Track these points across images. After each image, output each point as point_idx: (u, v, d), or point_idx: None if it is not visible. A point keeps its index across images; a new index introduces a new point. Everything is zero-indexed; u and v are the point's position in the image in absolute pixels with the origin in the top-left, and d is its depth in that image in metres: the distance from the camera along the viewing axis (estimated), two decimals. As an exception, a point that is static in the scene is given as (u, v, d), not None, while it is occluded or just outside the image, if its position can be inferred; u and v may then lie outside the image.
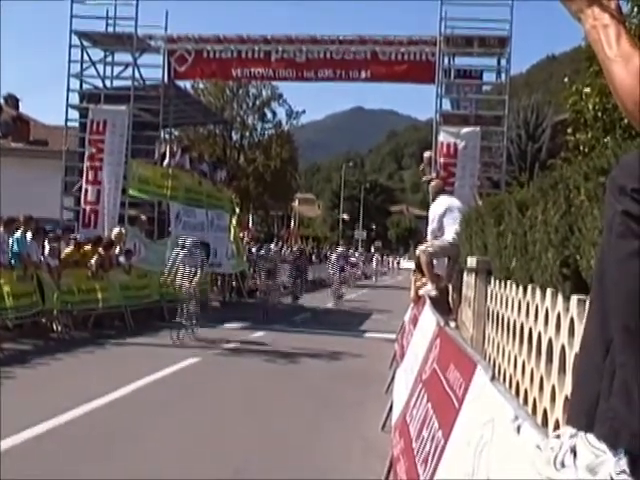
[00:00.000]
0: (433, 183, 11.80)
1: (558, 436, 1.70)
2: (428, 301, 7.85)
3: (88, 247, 16.10)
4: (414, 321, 8.35)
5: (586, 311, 1.89)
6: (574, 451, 1.63)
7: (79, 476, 5.82)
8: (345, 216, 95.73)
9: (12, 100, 37.46)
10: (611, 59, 1.72)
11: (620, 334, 1.62)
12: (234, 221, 24.46)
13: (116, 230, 17.57)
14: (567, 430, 1.69)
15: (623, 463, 1.56)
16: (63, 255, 15.27)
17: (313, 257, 41.30)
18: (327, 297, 27.63)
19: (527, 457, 1.83)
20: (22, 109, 37.97)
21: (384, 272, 70.13)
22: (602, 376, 1.64)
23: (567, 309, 3.93)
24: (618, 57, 1.71)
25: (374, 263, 56.76)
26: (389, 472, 4.98)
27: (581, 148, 12.42)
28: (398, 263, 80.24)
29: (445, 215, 10.27)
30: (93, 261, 15.55)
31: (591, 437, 1.62)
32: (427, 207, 11.91)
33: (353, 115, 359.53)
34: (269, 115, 58.25)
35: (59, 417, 7.56)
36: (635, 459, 1.57)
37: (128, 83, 20.54)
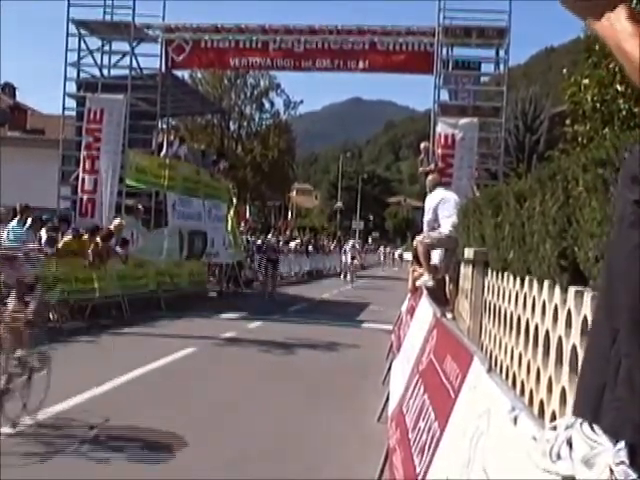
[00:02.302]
0: (430, 177, 11.79)
1: (554, 427, 1.69)
2: (425, 292, 7.85)
3: (86, 237, 16.07)
4: (411, 312, 8.35)
5: (592, 301, 1.88)
6: (570, 443, 1.62)
7: (76, 465, 5.82)
8: (340, 204, 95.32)
9: (9, 89, 37.41)
10: (622, 37, 1.69)
11: (626, 324, 1.61)
12: (231, 211, 24.47)
13: (116, 221, 17.53)
14: (563, 422, 1.68)
15: (623, 454, 1.55)
16: (61, 244, 15.23)
17: (310, 248, 41.29)
18: (330, 286, 27.65)
19: (523, 448, 1.82)
20: (19, 98, 37.93)
21: (379, 262, 66.46)
22: (608, 366, 1.63)
23: (564, 301, 3.93)
24: (633, 36, 1.68)
25: (347, 257, 36.73)
26: (385, 463, 4.98)
27: (579, 139, 12.40)
28: (400, 256, 71.51)
29: (439, 207, 10.28)
30: (90, 251, 15.53)
31: (587, 428, 1.61)
32: (424, 198, 11.89)
33: (351, 105, 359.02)
34: (267, 105, 58.33)
35: (55, 406, 7.56)
36: (635, 450, 1.56)
37: (125, 72, 20.48)
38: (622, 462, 1.53)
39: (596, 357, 1.70)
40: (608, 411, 1.60)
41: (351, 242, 37.26)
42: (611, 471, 1.52)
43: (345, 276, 35.25)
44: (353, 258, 35.24)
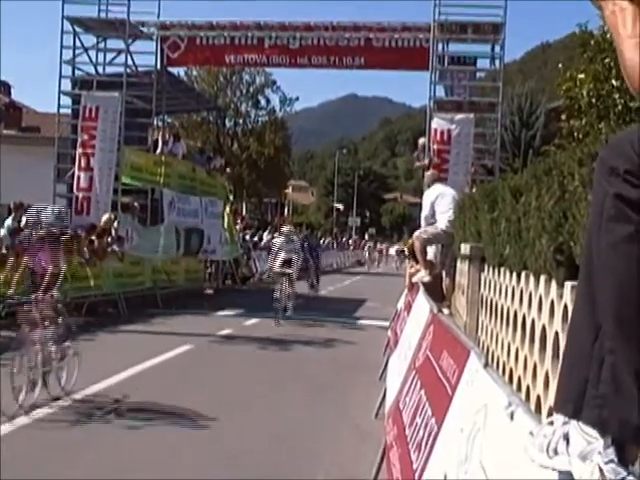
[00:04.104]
0: (428, 173, 11.81)
1: (551, 423, 1.69)
2: (421, 288, 7.85)
3: (83, 235, 16.06)
4: (408, 308, 8.35)
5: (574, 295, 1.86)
6: (567, 438, 1.61)
7: (74, 462, 5.82)
8: (340, 206, 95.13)
9: (4, 87, 37.32)
10: (623, 38, 1.71)
11: (610, 320, 1.59)
12: (228, 208, 24.45)
13: (105, 216, 17.52)
14: (560, 417, 1.67)
15: (611, 452, 1.54)
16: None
17: (305, 244, 41.32)
18: (327, 282, 27.59)
19: (520, 444, 1.82)
20: (14, 96, 37.84)
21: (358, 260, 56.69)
22: (590, 362, 1.62)
23: (561, 295, 3.92)
24: (631, 38, 1.70)
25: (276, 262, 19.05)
26: (382, 459, 4.98)
27: (575, 134, 12.42)
28: (399, 253, 55.03)
29: (437, 202, 10.29)
30: (86, 248, 15.51)
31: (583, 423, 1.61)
32: (421, 194, 11.91)
33: (347, 102, 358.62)
34: (263, 102, 58.27)
35: (53, 404, 7.55)
36: (623, 446, 1.55)
37: (120, 70, 20.41)
38: (611, 460, 1.52)
39: (577, 352, 1.68)
40: (591, 408, 1.59)
41: (286, 229, 18.15)
42: (600, 470, 1.52)
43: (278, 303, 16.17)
44: (287, 263, 16.74)
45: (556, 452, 1.62)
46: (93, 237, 16.09)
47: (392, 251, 63.16)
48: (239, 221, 30.25)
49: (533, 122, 38.64)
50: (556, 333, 3.97)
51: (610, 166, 1.64)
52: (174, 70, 24.52)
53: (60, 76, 20.38)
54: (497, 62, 19.69)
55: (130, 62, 20.55)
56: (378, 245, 66.26)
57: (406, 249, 24.56)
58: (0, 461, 5.44)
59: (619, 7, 1.77)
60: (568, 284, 3.77)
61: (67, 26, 20.21)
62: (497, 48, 19.41)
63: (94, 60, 20.83)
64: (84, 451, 6.21)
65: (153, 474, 5.71)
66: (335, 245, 54.02)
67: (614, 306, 1.58)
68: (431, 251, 10.70)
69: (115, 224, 17.84)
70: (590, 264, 1.69)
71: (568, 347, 1.78)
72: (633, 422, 1.52)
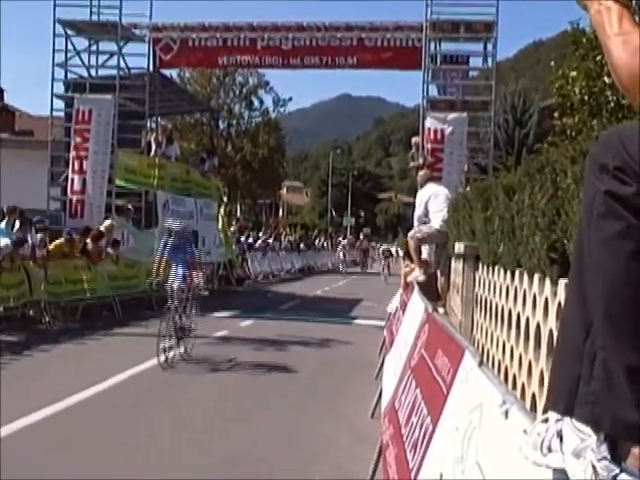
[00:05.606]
0: (421, 172, 11.82)
1: (545, 420, 1.69)
2: (416, 287, 7.86)
3: (77, 238, 16.04)
4: (403, 307, 8.35)
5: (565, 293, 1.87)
6: (560, 435, 1.62)
7: (68, 467, 5.80)
8: (333, 210, 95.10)
9: (-3, 91, 37.27)
10: (610, 37, 1.76)
11: (601, 316, 1.60)
12: (222, 210, 24.43)
13: (107, 222, 17.50)
14: (553, 415, 1.67)
15: (604, 449, 1.55)
16: (52, 246, 15.18)
17: (301, 245, 41.39)
18: (322, 282, 27.60)
19: (515, 442, 1.82)
20: (7, 100, 37.78)
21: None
22: (582, 359, 1.62)
23: (555, 293, 3.92)
24: (618, 35, 1.75)
25: None
26: (379, 458, 4.98)
27: (568, 132, 12.41)
28: (386, 253, 41.09)
29: (430, 201, 10.30)
30: (85, 251, 15.51)
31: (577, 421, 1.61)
32: (415, 193, 11.91)
33: (340, 102, 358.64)
34: (256, 103, 58.36)
35: (48, 408, 7.53)
36: (616, 443, 1.55)
37: (113, 72, 20.40)
38: (604, 457, 1.52)
39: (568, 350, 1.69)
40: (583, 404, 1.59)
41: None
42: (594, 467, 1.52)
43: None
44: None
45: (550, 450, 1.63)
46: (87, 240, 16.05)
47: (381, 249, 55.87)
48: (234, 222, 30.27)
49: (526, 120, 38.72)
50: (550, 331, 3.98)
51: (600, 163, 1.64)
52: (167, 72, 24.52)
53: (53, 79, 20.37)
54: (490, 60, 19.73)
55: (123, 64, 20.57)
56: (371, 243, 62.14)
57: (400, 249, 24.06)
58: (0, 462, 5.44)
59: (604, 6, 1.81)
60: (562, 281, 3.77)
61: (59, 29, 20.21)
62: (489, 46, 19.44)
63: (86, 63, 20.83)
64: (82, 453, 6.20)
65: (151, 474, 5.71)
66: (330, 245, 53.94)
67: (604, 303, 1.59)
68: (425, 250, 10.71)
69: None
70: (581, 261, 1.69)
71: (560, 344, 1.78)
72: (625, 419, 1.53)
